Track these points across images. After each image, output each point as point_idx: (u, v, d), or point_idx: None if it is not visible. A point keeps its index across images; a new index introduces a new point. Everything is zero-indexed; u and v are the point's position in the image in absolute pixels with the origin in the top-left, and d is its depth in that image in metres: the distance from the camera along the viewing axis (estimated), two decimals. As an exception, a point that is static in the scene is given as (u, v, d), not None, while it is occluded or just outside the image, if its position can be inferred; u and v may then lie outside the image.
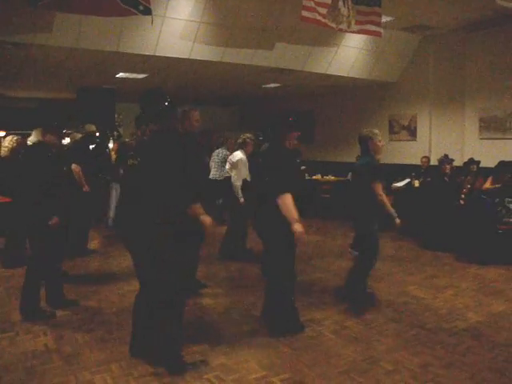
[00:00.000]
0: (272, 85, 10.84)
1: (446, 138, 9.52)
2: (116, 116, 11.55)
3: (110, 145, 10.33)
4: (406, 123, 10.30)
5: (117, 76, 9.39)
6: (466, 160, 8.18)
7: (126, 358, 3.58)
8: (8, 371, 3.42)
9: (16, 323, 4.31)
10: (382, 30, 7.02)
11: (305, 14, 6.17)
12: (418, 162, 9.13)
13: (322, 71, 9.04)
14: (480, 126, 8.84)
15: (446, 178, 7.43)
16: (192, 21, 7.12)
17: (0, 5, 5.82)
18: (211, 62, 7.87)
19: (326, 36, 8.28)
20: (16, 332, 4.12)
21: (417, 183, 8.52)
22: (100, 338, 3.99)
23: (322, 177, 10.91)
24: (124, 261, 6.26)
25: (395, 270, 6.11)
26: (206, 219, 3.42)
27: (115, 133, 11.16)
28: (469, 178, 7.62)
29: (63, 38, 6.47)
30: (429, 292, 5.18)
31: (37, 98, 13.03)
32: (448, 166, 7.47)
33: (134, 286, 5.35)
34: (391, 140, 10.63)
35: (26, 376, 3.35)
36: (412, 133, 10.19)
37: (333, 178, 10.68)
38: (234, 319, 4.40)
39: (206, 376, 3.31)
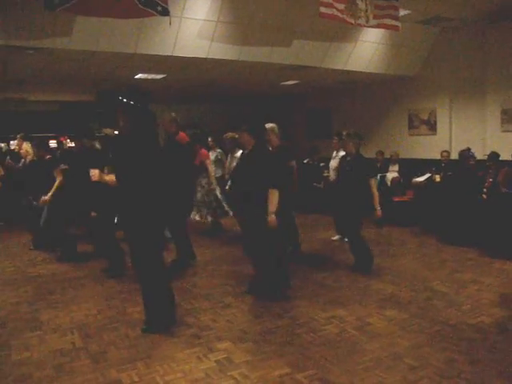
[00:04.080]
0: (290, 82, 10.83)
1: (466, 131, 9.40)
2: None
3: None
4: (426, 117, 10.20)
5: (136, 77, 9.49)
6: (487, 153, 8.07)
7: (151, 356, 3.64)
8: (38, 368, 3.51)
9: (44, 322, 4.41)
10: (399, 24, 6.97)
11: (323, 9, 6.16)
12: (438, 157, 9.03)
13: (340, 67, 9.00)
14: (502, 119, 8.71)
15: (470, 172, 7.36)
16: (209, 20, 7.16)
17: (21, 11, 5.94)
18: (229, 60, 7.90)
19: (343, 31, 8.24)
20: (44, 331, 4.22)
21: (437, 178, 8.42)
22: (125, 336, 4.05)
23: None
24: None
25: (417, 265, 6.06)
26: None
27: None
28: (490, 171, 7.51)
29: (83, 42, 6.57)
30: (452, 287, 5.13)
31: (58, 101, 13.23)
32: (472, 162, 7.40)
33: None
34: (411, 135, 10.56)
35: (55, 373, 3.42)
36: (432, 127, 10.09)
37: (352, 173, 10.63)
38: (257, 316, 4.42)
39: (230, 373, 3.35)
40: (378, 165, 10.24)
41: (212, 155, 8.21)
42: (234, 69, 8.80)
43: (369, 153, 10.92)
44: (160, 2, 5.74)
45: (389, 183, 9.69)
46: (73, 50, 6.72)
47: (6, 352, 3.82)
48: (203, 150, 7.74)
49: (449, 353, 3.57)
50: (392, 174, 9.79)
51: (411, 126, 10.55)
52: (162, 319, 4.11)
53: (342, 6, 6.23)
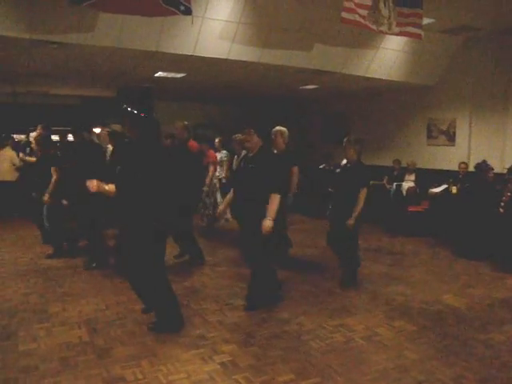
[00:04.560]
0: (309, 86, 10.79)
1: (486, 143, 9.26)
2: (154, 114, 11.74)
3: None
4: (445, 128, 10.06)
5: (156, 75, 9.53)
6: (507, 167, 7.93)
7: (156, 355, 3.64)
8: (44, 361, 3.53)
9: (53, 315, 4.45)
10: (422, 33, 6.89)
11: (345, 15, 6.10)
12: (456, 168, 8.91)
13: (361, 73, 8.93)
14: (523, 132, 8.56)
15: (487, 185, 7.26)
16: (231, 21, 7.16)
17: (46, 6, 6.00)
18: (249, 62, 7.88)
19: (365, 38, 8.18)
20: (52, 323, 4.25)
21: (454, 189, 8.30)
22: (131, 332, 4.06)
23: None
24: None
25: (429, 277, 5.98)
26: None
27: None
28: (509, 185, 7.38)
29: (105, 38, 6.61)
30: (464, 302, 5.05)
31: (79, 95, 13.36)
32: (491, 175, 7.30)
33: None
34: (429, 145, 10.42)
35: (60, 367, 3.44)
36: (451, 138, 9.95)
37: (368, 181, 10.53)
38: (264, 320, 4.40)
39: (234, 377, 3.33)
40: (395, 173, 10.16)
41: (217, 156, 8.23)
42: (253, 71, 8.78)
43: (386, 161, 10.88)
44: (183, 2, 5.75)
45: (404, 192, 9.59)
46: (95, 46, 6.77)
47: (13, 342, 3.86)
48: (211, 152, 7.74)
49: (457, 368, 3.51)
50: (408, 184, 9.69)
51: (430, 136, 10.43)
52: (171, 320, 4.12)
53: (364, 12, 6.17)
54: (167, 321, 4.11)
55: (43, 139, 6.70)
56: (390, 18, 6.52)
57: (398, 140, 11.27)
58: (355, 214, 5.28)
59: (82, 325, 4.21)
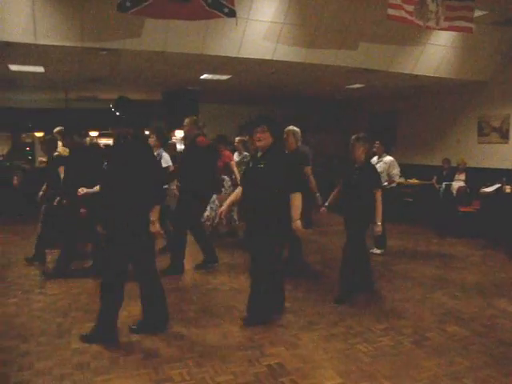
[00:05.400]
0: (356, 85, 10.65)
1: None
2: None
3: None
4: (498, 125, 9.70)
5: (201, 77, 9.65)
6: None
7: (203, 356, 3.66)
8: (96, 359, 3.62)
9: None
10: (473, 26, 6.66)
11: (391, 11, 6.00)
12: (510, 167, 8.56)
13: (408, 71, 8.74)
14: None
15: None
16: (275, 22, 7.16)
17: (96, 15, 6.20)
18: (294, 62, 7.86)
19: (412, 34, 7.98)
20: (102, 322, 4.35)
21: (508, 189, 7.99)
22: (178, 334, 4.10)
23: (406, 180, 10.51)
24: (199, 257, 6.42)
25: (482, 280, 5.77)
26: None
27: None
28: None
29: (151, 43, 6.76)
30: (520, 306, 4.84)
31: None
32: None
33: (214, 285, 5.48)
34: (480, 143, 10.08)
35: (110, 365, 3.52)
36: (504, 135, 9.58)
37: (416, 181, 10.27)
38: (312, 323, 4.36)
39: (281, 379, 3.31)
40: (444, 173, 9.88)
41: (237, 157, 8.04)
42: (298, 71, 8.75)
43: (435, 160, 10.59)
44: (227, 4, 5.82)
45: (454, 192, 9.31)
46: (142, 51, 6.93)
47: (66, 340, 3.97)
48: (225, 152, 7.63)
49: (514, 377, 3.36)
50: (458, 183, 9.41)
51: (481, 134, 10.07)
52: (158, 319, 4.20)
53: (411, 8, 6.04)
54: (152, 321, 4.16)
55: (47, 141, 6.54)
56: (437, 12, 6.36)
57: (447, 138, 10.95)
58: (379, 218, 4.93)
59: (131, 325, 4.29)
